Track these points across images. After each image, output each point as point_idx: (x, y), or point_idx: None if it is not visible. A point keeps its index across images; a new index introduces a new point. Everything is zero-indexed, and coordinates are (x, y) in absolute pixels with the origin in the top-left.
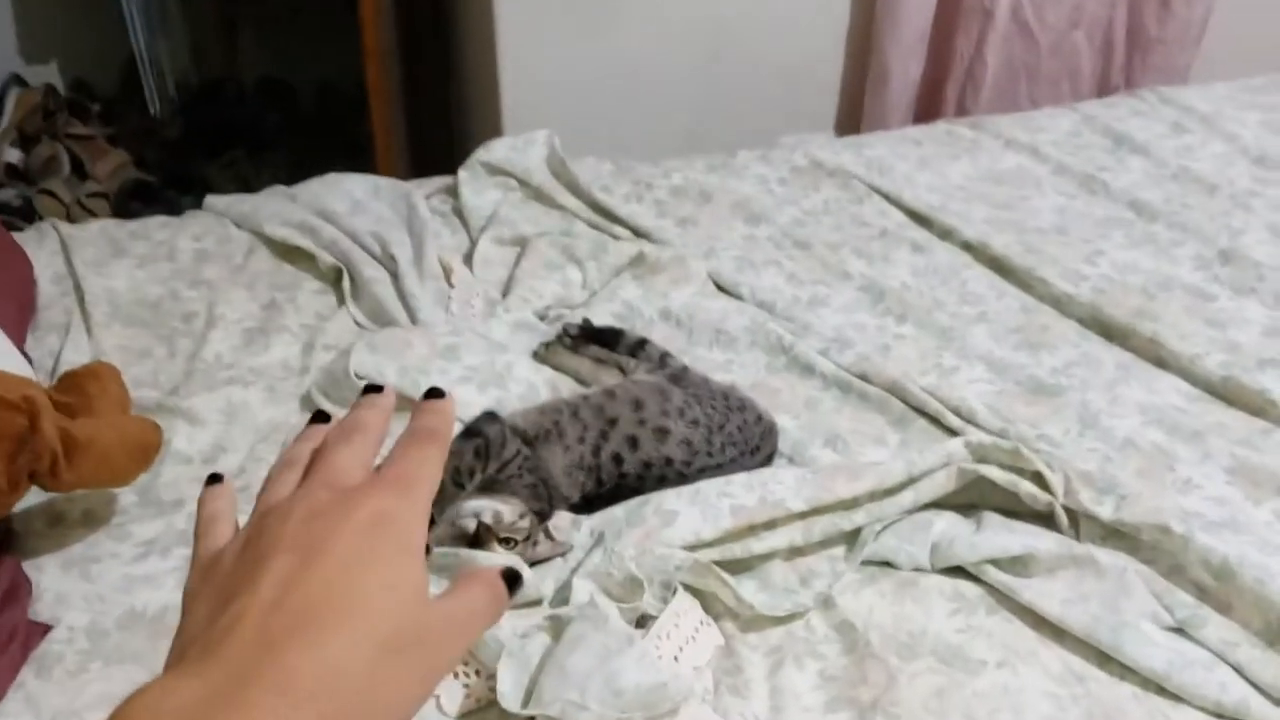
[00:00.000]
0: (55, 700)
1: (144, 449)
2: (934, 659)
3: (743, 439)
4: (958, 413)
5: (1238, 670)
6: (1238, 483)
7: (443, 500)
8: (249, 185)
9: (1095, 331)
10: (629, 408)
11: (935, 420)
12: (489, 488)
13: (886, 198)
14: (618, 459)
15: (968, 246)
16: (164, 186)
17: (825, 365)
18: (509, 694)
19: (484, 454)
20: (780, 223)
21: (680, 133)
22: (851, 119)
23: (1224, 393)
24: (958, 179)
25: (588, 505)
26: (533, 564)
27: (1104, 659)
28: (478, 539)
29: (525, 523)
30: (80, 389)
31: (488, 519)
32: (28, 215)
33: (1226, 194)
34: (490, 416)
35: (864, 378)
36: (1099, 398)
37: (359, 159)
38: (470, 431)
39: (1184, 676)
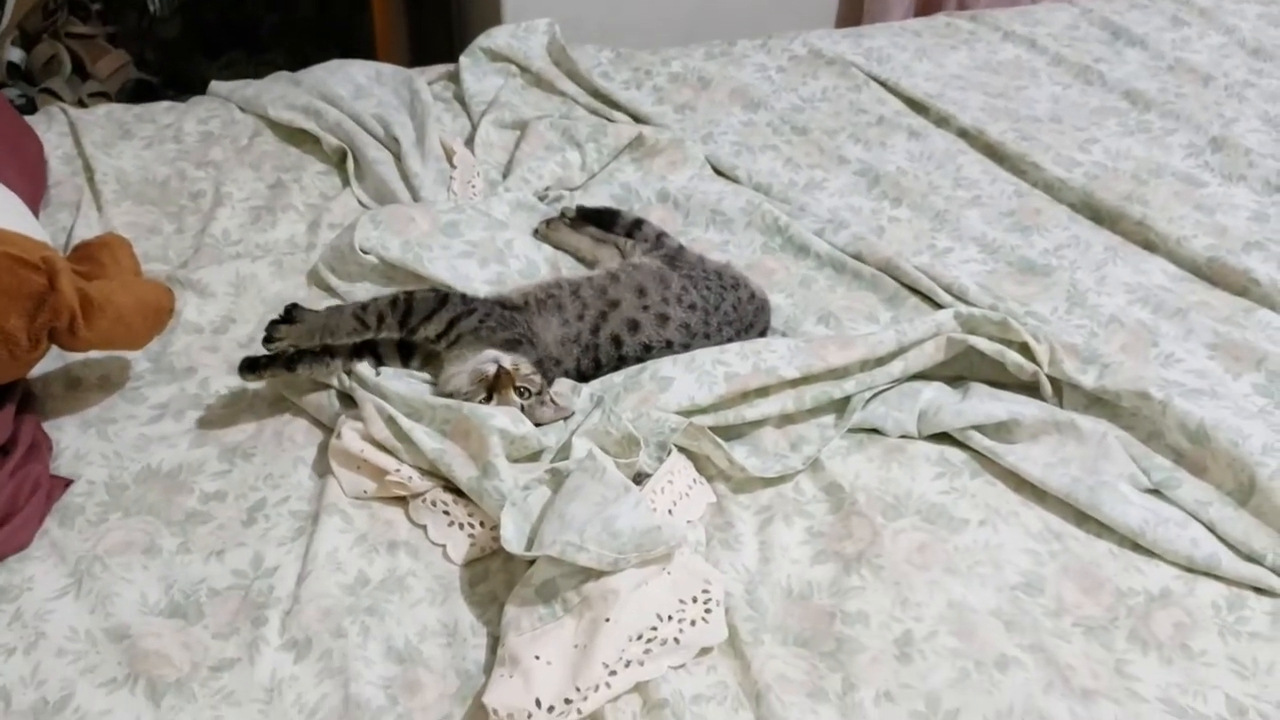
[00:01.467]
0: (78, 546)
1: (158, 311)
2: (918, 518)
3: (738, 317)
4: (950, 290)
5: (1209, 528)
6: (1219, 357)
7: (340, 331)
8: None
9: (1086, 215)
10: (632, 293)
11: (927, 298)
12: (458, 347)
13: (884, 85)
14: (617, 341)
15: (963, 133)
16: (164, 86)
17: (820, 245)
18: (512, 539)
19: (400, 308)
20: (778, 109)
21: (679, 28)
22: (851, 17)
23: (1209, 273)
24: (955, 69)
25: (585, 382)
26: (536, 426)
27: (1082, 518)
28: (497, 384)
29: (537, 376)
30: (93, 258)
31: (506, 364)
32: (30, 115)
33: (1221, 85)
34: (435, 290)
35: (858, 257)
36: (1087, 277)
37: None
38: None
39: (1158, 533)
